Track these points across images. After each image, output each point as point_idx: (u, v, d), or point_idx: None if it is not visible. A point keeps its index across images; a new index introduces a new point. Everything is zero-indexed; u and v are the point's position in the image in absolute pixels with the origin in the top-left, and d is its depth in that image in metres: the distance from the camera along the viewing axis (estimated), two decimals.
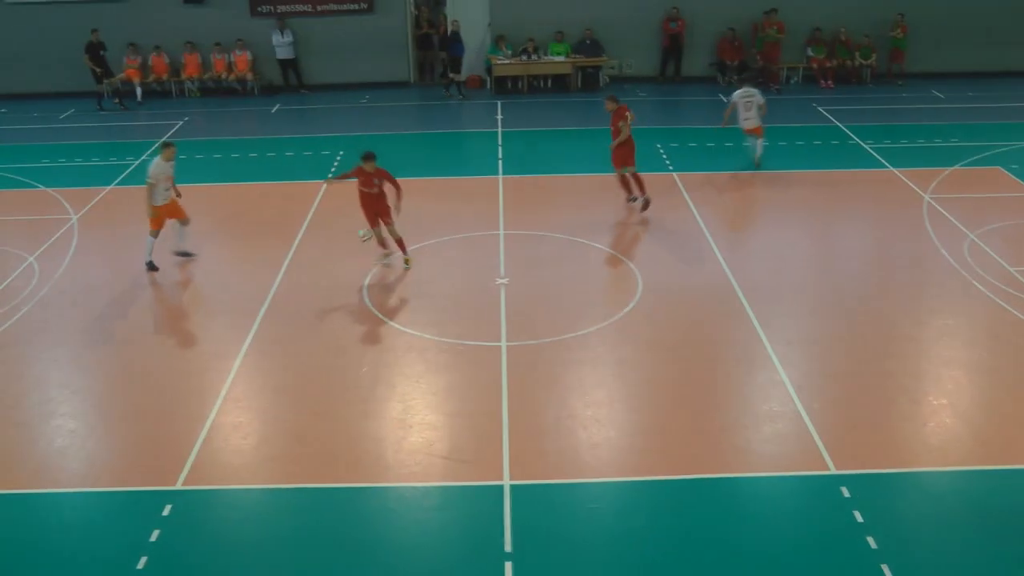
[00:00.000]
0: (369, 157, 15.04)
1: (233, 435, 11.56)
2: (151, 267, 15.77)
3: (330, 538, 9.69)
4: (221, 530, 10.06)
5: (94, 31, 26.52)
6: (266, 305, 14.59)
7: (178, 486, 10.54)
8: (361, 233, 15.36)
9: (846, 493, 9.94)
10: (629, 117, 17.28)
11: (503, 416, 11.39)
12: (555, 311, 14.06)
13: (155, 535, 9.81)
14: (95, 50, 26.57)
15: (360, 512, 10.12)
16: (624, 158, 17.50)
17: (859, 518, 9.57)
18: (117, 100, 27.13)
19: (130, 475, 10.85)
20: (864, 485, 10.09)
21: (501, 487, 10.17)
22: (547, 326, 13.52)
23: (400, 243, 15.58)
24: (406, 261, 15.61)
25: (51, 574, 9.47)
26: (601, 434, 11.09)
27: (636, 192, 17.75)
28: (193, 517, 10.14)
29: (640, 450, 10.88)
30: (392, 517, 10.08)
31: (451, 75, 26.79)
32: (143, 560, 9.46)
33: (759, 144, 20.20)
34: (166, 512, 10.13)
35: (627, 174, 17.66)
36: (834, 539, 9.36)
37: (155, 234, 15.69)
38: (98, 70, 26.68)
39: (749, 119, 19.92)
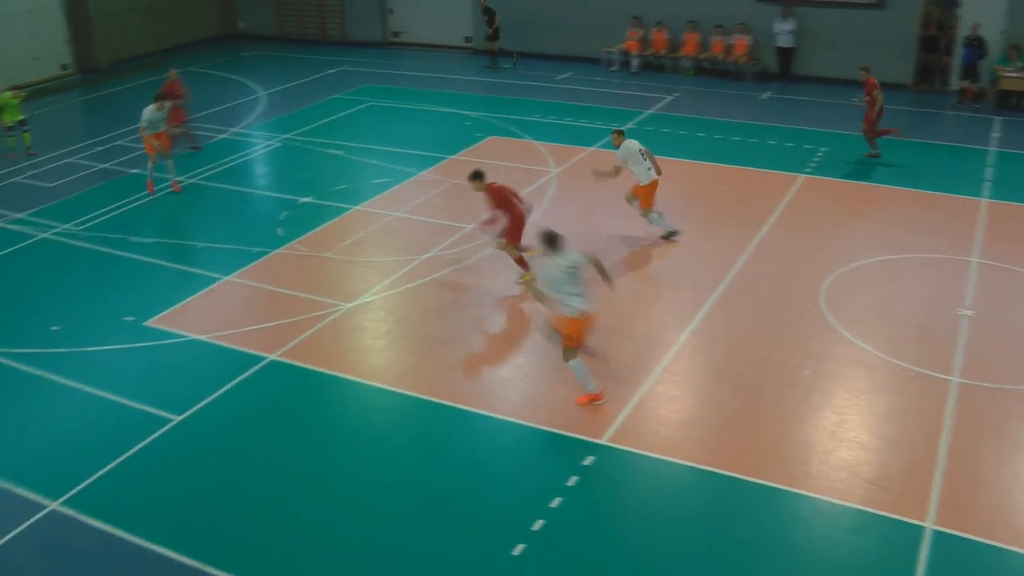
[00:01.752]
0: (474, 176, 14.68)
1: (665, 406, 11.93)
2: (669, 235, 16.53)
3: (734, 531, 9.78)
4: (633, 493, 10.46)
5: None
6: (722, 288, 14.77)
7: (604, 441, 11.08)
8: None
9: None
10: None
11: (940, 455, 10.77)
12: (1019, 357, 12.94)
13: (573, 480, 10.42)
14: (487, 15, 29.38)
15: (771, 512, 10.06)
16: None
17: None
18: (493, 62, 29.84)
19: (563, 419, 11.54)
20: None
21: (922, 528, 9.66)
22: (1007, 371, 12.48)
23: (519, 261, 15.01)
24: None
25: (475, 489, 10.40)
26: None
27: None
28: (611, 473, 10.64)
29: None
30: (802, 526, 9.93)
31: (963, 83, 25.05)
32: (557, 500, 10.11)
33: None
34: (587, 462, 10.72)
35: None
36: None
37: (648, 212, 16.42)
38: (490, 31, 29.53)
39: None
